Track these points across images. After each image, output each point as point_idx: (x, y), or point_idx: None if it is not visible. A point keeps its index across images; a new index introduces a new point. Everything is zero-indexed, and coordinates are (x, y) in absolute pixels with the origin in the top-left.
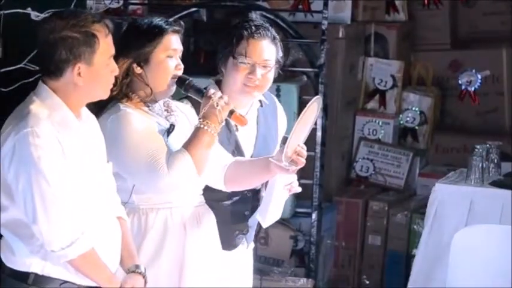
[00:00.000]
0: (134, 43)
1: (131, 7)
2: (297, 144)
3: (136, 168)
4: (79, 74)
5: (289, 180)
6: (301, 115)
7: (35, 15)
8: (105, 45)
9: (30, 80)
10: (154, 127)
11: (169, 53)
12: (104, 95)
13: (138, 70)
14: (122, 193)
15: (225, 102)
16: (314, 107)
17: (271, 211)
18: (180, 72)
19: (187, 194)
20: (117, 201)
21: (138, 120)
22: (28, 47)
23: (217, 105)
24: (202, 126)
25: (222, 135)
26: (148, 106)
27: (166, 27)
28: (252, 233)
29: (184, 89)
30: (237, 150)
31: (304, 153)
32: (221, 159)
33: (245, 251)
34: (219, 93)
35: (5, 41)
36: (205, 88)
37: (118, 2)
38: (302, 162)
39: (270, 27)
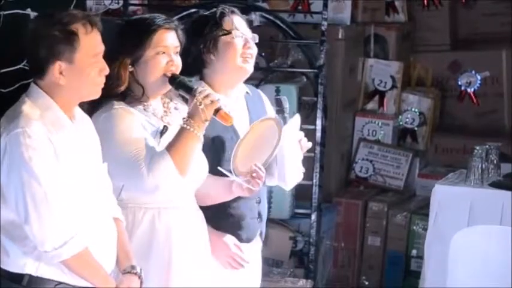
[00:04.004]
0: (125, 42)
1: (131, 8)
2: (252, 163)
3: (119, 168)
4: (61, 72)
5: (298, 136)
6: (251, 126)
7: (34, 16)
8: (88, 43)
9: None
10: (142, 127)
11: (160, 50)
12: (93, 94)
13: (130, 68)
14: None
15: (211, 100)
16: (269, 125)
17: (288, 170)
18: (174, 69)
19: (175, 196)
20: (113, 202)
21: (128, 120)
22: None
23: (200, 104)
24: (185, 126)
25: (219, 123)
26: (144, 105)
27: (157, 24)
28: (263, 225)
29: (175, 87)
30: (235, 135)
31: (261, 174)
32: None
33: (252, 248)
34: (206, 92)
35: (4, 41)
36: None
37: (118, 3)
38: (257, 183)
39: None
